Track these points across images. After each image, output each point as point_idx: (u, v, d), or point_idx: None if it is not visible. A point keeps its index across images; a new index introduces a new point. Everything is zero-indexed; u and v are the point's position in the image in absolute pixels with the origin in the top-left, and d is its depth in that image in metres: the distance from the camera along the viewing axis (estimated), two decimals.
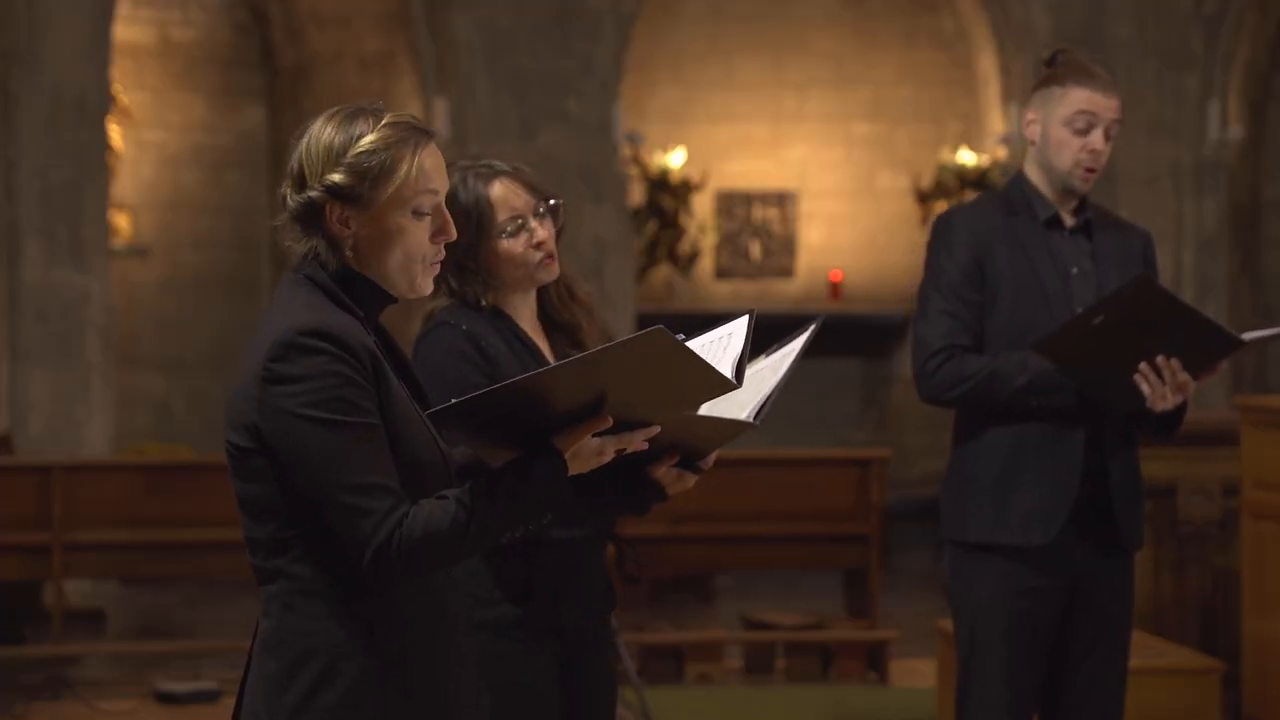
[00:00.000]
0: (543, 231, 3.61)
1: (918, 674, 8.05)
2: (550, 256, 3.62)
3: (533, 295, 3.69)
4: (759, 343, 2.93)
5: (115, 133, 11.86)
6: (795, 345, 3.02)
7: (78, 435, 10.00)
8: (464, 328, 3.56)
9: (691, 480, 3.05)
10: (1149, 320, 4.13)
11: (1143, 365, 4.18)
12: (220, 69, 13.05)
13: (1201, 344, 4.18)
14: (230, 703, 2.86)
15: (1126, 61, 11.49)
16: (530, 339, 3.64)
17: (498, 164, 3.63)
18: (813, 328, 3.04)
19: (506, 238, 3.59)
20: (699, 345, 2.77)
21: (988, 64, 12.70)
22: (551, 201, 3.64)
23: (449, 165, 3.62)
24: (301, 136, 2.76)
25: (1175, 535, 6.75)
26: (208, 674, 7.99)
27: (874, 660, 8.17)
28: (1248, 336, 4.21)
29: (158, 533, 7.99)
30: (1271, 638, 6.00)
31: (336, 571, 2.68)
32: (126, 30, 12.14)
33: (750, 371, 3.03)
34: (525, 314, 3.67)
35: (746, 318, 2.81)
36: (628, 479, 2.95)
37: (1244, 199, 12.19)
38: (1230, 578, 6.62)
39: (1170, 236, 11.54)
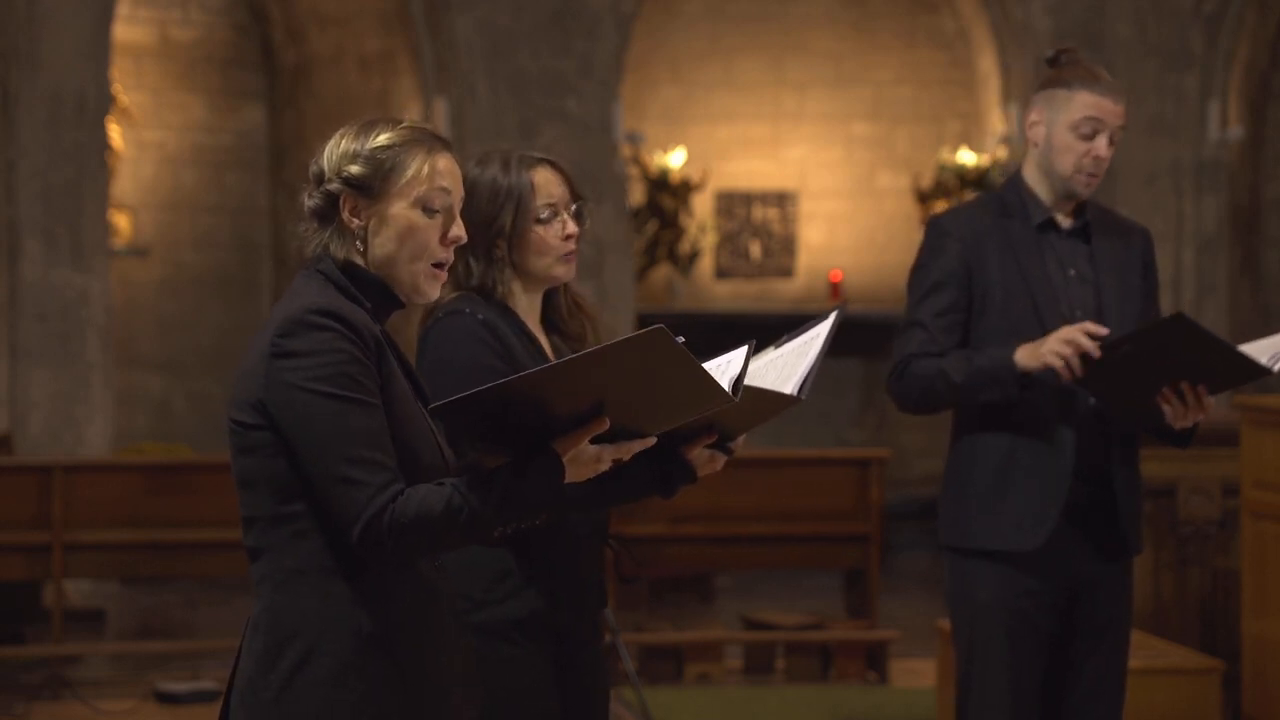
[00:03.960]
0: (573, 225, 3.64)
1: (918, 674, 8.05)
2: (573, 254, 3.65)
3: (539, 299, 3.69)
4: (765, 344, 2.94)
5: (115, 133, 11.85)
6: (817, 332, 3.04)
7: (78, 435, 9.99)
8: (480, 316, 3.56)
9: (721, 462, 3.06)
10: (1178, 352, 4.11)
11: (1165, 389, 4.16)
12: (220, 69, 13.04)
13: (1228, 371, 4.17)
14: None
15: (1126, 61, 11.49)
16: (536, 338, 3.65)
17: (538, 154, 3.66)
18: (833, 316, 3.06)
19: (541, 224, 3.61)
20: None
21: (988, 64, 12.69)
22: (581, 201, 3.67)
23: (486, 154, 3.65)
24: (323, 147, 2.85)
25: (1175, 535, 6.74)
26: (208, 674, 8.00)
27: (874, 660, 8.18)
28: (1277, 366, 4.17)
29: (158, 533, 7.98)
30: (1271, 638, 6.00)
31: (331, 550, 2.72)
32: (126, 30, 12.14)
33: (766, 360, 3.06)
34: (530, 316, 3.68)
35: (746, 349, 2.83)
36: (657, 460, 2.95)
37: (1244, 199, 12.18)
38: (1230, 578, 6.62)
39: (1170, 236, 11.53)
